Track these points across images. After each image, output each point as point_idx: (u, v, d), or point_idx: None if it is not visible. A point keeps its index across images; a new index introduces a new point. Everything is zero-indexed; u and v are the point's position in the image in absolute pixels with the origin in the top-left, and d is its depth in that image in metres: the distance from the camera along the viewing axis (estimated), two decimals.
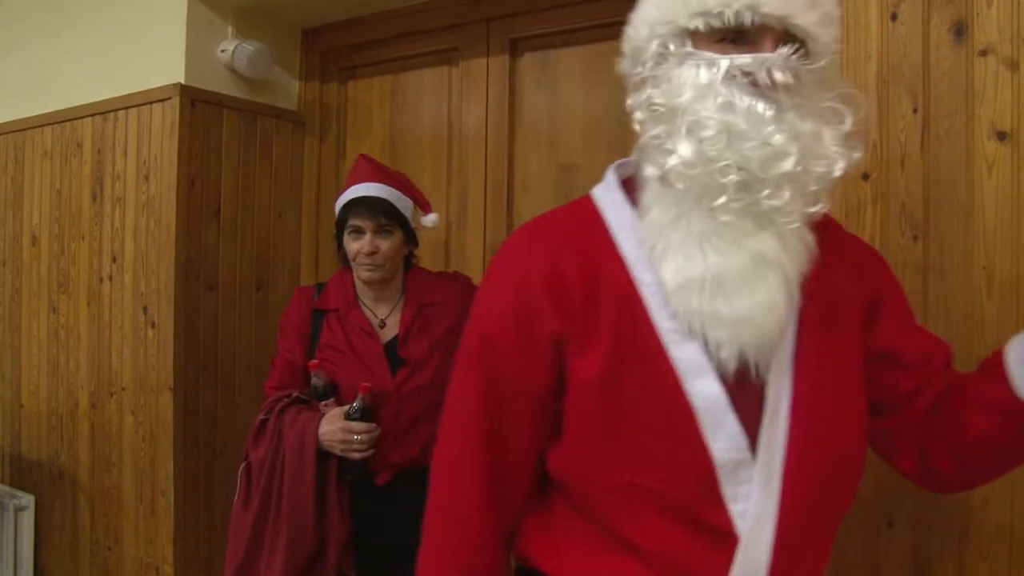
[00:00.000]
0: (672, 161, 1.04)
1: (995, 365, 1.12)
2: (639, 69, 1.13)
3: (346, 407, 2.01)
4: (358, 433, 1.97)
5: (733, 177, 1.01)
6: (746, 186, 1.01)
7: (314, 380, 2.09)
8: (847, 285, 1.19)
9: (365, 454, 2.00)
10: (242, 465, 2.11)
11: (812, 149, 1.02)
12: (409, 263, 2.28)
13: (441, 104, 2.99)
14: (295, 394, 2.12)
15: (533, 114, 2.78)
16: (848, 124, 1.05)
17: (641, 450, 1.09)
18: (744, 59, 1.03)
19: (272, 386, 2.19)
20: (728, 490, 1.07)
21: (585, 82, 2.66)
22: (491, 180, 2.82)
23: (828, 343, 1.13)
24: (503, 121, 2.81)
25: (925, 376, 1.20)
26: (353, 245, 2.13)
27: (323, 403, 2.08)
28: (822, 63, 1.06)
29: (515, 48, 2.81)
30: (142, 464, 2.98)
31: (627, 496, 1.11)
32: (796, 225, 1.05)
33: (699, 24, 1.05)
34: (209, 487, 2.99)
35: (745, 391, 1.08)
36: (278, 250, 3.25)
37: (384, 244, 2.11)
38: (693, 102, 1.03)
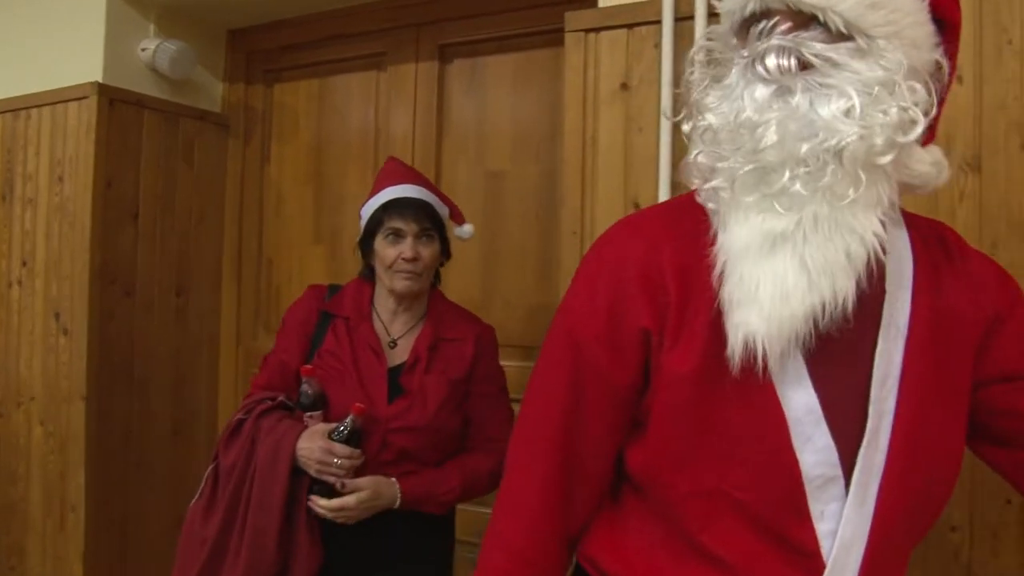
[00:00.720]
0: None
1: None
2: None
3: (332, 425, 1.79)
4: (339, 457, 1.75)
5: (751, 168, 0.98)
6: (765, 171, 0.98)
7: (304, 387, 1.87)
8: (963, 302, 1.09)
9: (340, 482, 1.76)
10: (210, 467, 1.90)
11: (809, 125, 0.96)
12: (436, 279, 2.06)
13: (368, 109, 2.95)
14: (281, 398, 1.90)
15: (461, 121, 2.75)
16: (855, 100, 0.95)
17: (729, 455, 1.04)
18: (743, 51, 1.03)
19: (258, 384, 1.98)
20: (815, 507, 1.02)
21: (514, 89, 2.65)
22: None
23: (938, 362, 1.06)
24: (431, 127, 2.78)
25: None
26: (390, 251, 1.89)
27: (308, 415, 1.86)
28: (850, 43, 0.98)
29: (444, 54, 2.79)
30: (51, 477, 2.87)
31: (710, 502, 1.05)
32: (826, 207, 0.96)
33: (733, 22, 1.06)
34: (123, 501, 2.89)
35: (844, 406, 1.02)
36: (199, 255, 3.16)
37: (426, 251, 1.90)
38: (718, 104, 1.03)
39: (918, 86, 0.98)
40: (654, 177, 1.88)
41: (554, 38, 2.03)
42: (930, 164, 1.06)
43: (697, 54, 1.12)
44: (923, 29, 1.02)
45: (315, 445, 1.75)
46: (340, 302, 1.98)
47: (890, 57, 0.97)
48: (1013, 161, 1.61)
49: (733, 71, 1.02)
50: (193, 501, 1.89)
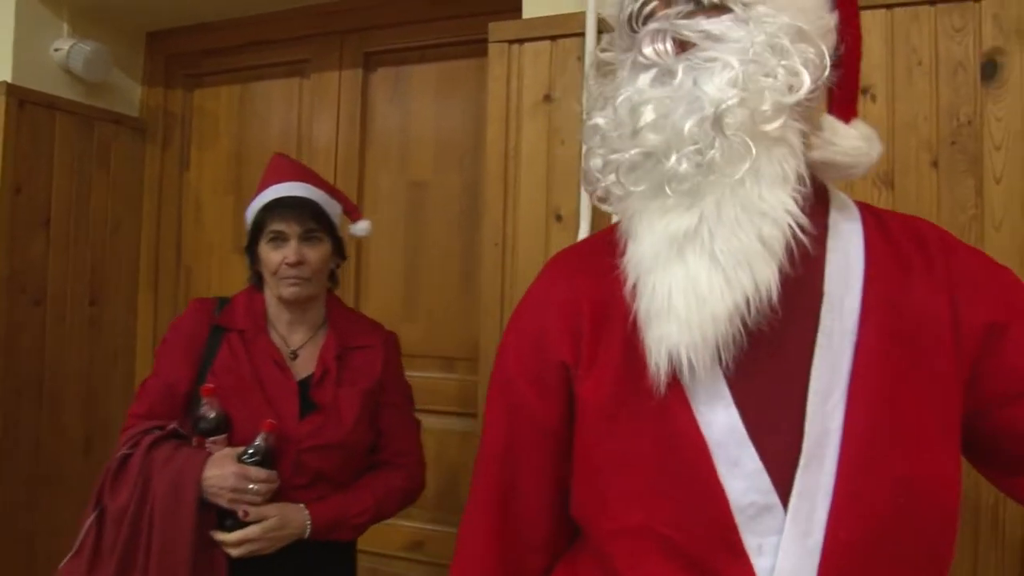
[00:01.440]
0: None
1: None
2: None
3: (239, 448, 1.63)
4: (255, 481, 1.59)
5: (638, 151, 0.91)
6: (655, 159, 0.91)
7: (203, 410, 1.68)
8: (940, 303, 0.97)
9: (242, 510, 1.60)
10: (91, 516, 1.64)
11: (695, 102, 0.89)
12: (333, 281, 1.92)
13: (291, 116, 2.91)
14: (172, 426, 1.69)
15: (385, 130, 2.73)
16: (737, 68, 0.88)
17: (651, 488, 0.95)
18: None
19: (137, 414, 1.74)
20: (750, 540, 0.91)
21: (438, 99, 2.64)
22: None
23: (903, 372, 0.94)
24: (354, 136, 2.75)
25: None
26: (274, 255, 1.75)
27: (210, 440, 1.67)
28: (728, 14, 0.92)
29: (369, 62, 2.76)
30: None
31: (637, 541, 0.96)
32: (726, 180, 0.89)
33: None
34: (30, 518, 2.78)
35: (778, 424, 0.92)
36: (114, 263, 3.07)
37: (312, 253, 1.76)
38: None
39: (810, 48, 0.92)
40: (576, 189, 1.87)
41: (478, 48, 2.02)
42: (857, 138, 1.00)
43: (590, 68, 1.06)
44: None
45: (226, 471, 1.59)
46: (232, 314, 1.81)
47: (772, 21, 0.91)
48: (924, 178, 1.64)
49: (622, 72, 0.96)
50: (66, 560, 1.64)
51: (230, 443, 1.68)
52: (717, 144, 0.87)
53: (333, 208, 1.84)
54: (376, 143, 2.74)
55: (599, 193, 0.98)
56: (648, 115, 0.89)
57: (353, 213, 1.93)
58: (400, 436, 1.85)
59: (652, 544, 0.95)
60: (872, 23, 1.70)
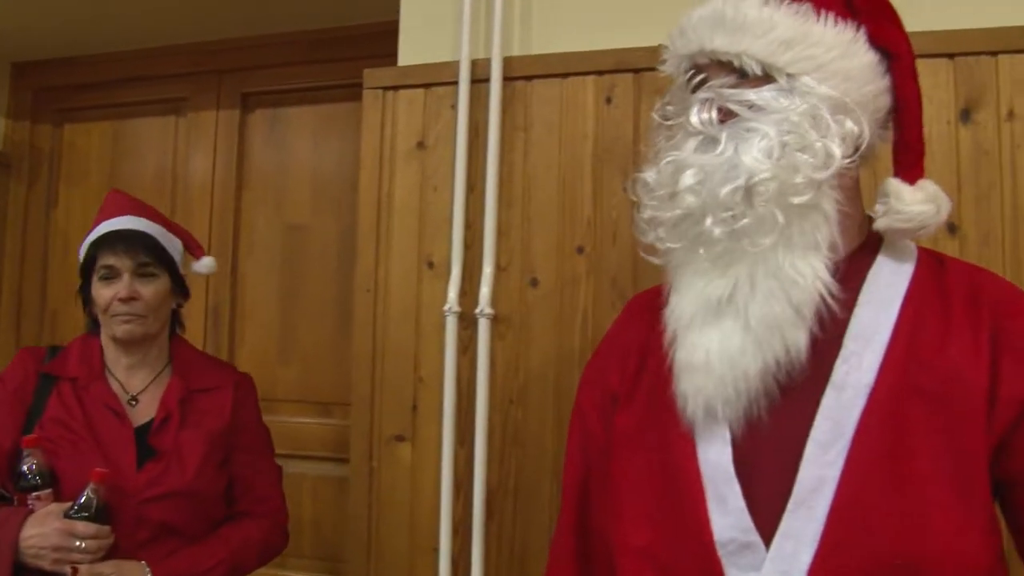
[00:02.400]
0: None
1: None
2: None
3: (67, 504, 1.48)
4: (82, 537, 1.45)
5: (678, 212, 0.98)
6: (693, 220, 0.98)
7: (24, 464, 1.53)
8: (978, 367, 0.96)
9: (72, 567, 1.45)
10: None
11: (733, 169, 0.95)
12: (176, 323, 1.82)
13: (166, 155, 2.84)
14: None
15: (262, 171, 2.70)
16: (774, 139, 0.94)
17: (655, 513, 1.03)
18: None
19: None
20: (732, 574, 0.96)
21: (316, 142, 2.63)
22: (216, 238, 2.69)
23: (918, 427, 0.94)
24: (231, 177, 2.70)
25: None
26: (105, 292, 1.64)
27: (33, 495, 1.52)
28: (772, 84, 0.99)
29: (247, 103, 2.74)
30: None
31: (639, 561, 1.04)
32: (755, 250, 0.95)
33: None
34: None
35: (773, 467, 0.96)
36: None
37: (146, 290, 1.65)
38: None
39: (846, 119, 0.97)
40: (448, 236, 1.88)
41: (356, 92, 2.01)
42: (922, 202, 1.03)
43: (655, 119, 1.11)
44: (857, 60, 1.00)
45: (48, 528, 1.45)
46: (64, 362, 1.69)
47: (814, 92, 0.96)
48: None
49: (677, 133, 1.04)
50: None
51: (58, 499, 1.53)
52: (748, 213, 0.94)
53: (172, 243, 1.75)
54: (253, 184, 2.70)
55: (646, 244, 1.06)
56: (688, 179, 0.97)
57: (196, 250, 1.83)
58: (257, 483, 1.75)
59: (650, 565, 1.02)
60: None
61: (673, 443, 1.02)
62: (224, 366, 1.87)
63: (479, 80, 1.90)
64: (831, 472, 0.94)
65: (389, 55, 2.03)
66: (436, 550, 1.82)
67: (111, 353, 1.72)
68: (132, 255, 1.66)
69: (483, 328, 1.82)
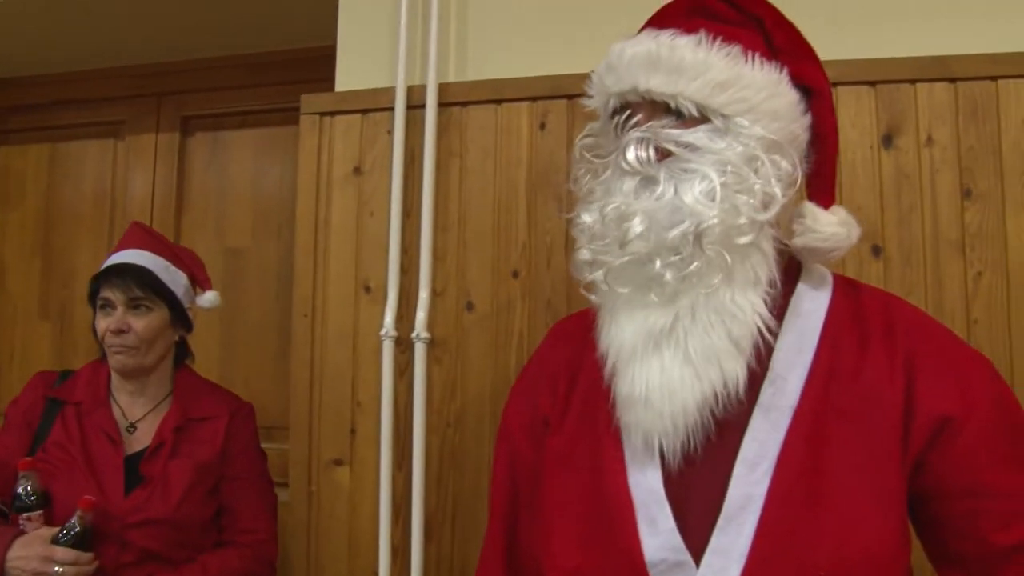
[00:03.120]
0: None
1: None
2: None
3: (55, 529, 1.55)
4: (61, 564, 1.49)
5: (625, 260, 0.99)
6: (640, 262, 0.99)
7: (20, 485, 1.60)
8: (895, 388, 1.01)
9: None
10: None
11: (675, 212, 0.97)
12: (182, 354, 1.90)
13: (105, 178, 2.81)
14: None
15: (203, 195, 2.68)
16: (715, 181, 0.97)
17: (586, 536, 1.03)
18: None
19: None
20: None
21: (256, 166, 2.63)
22: None
23: (839, 445, 0.98)
24: (170, 200, 2.69)
25: None
26: (101, 323, 1.74)
27: (25, 516, 1.59)
28: (707, 125, 1.01)
29: (187, 126, 2.72)
30: None
31: None
32: (706, 291, 0.98)
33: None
34: None
35: (703, 489, 0.99)
36: None
37: (138, 322, 1.73)
38: None
39: (781, 159, 1.01)
40: (384, 261, 1.89)
41: (296, 116, 2.02)
42: (838, 224, 1.07)
43: (577, 152, 1.14)
44: (783, 100, 1.04)
45: (31, 552, 1.51)
46: (72, 387, 1.78)
47: (748, 133, 0.99)
48: None
49: (609, 168, 1.05)
50: None
51: (50, 520, 1.60)
52: (697, 256, 0.96)
53: (174, 277, 1.82)
54: (193, 208, 2.69)
55: (585, 283, 1.07)
56: (637, 227, 0.97)
57: (202, 283, 1.91)
58: (245, 514, 1.79)
59: None
60: None
61: (605, 466, 1.03)
62: (225, 395, 1.91)
63: (415, 106, 1.92)
64: (758, 490, 0.97)
65: (328, 79, 2.04)
66: (376, 574, 1.82)
67: (115, 381, 1.80)
68: (125, 289, 1.73)
69: (419, 352, 1.82)
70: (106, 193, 2.80)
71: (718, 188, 0.96)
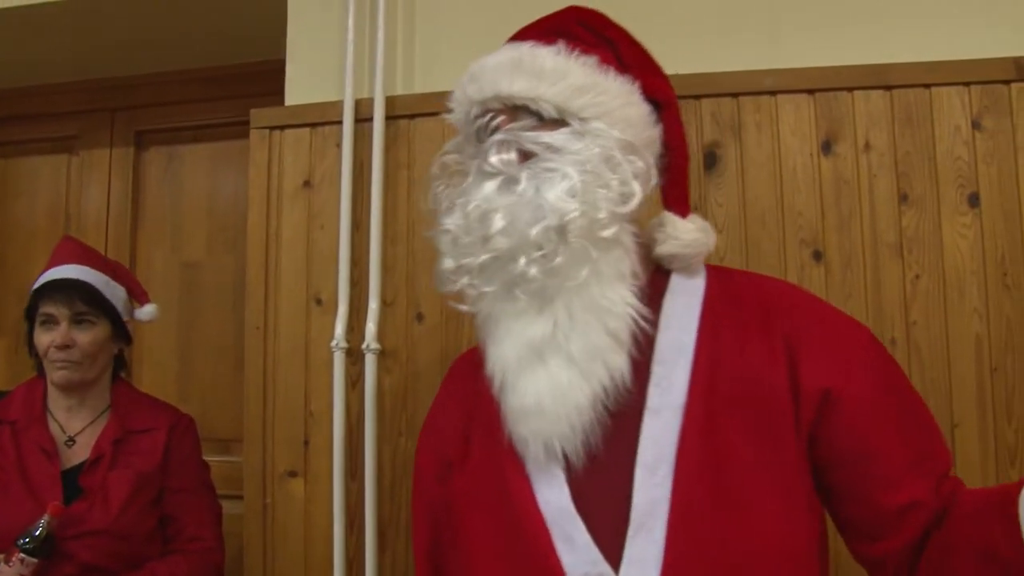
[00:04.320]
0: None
1: (1002, 507, 0.92)
2: None
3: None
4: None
5: (488, 256, 1.01)
6: (504, 261, 1.01)
7: None
8: (776, 370, 1.04)
9: None
10: None
11: (537, 210, 1.00)
12: (119, 367, 1.91)
13: (58, 193, 2.79)
14: None
15: (158, 209, 2.68)
16: (575, 178, 1.00)
17: (506, 564, 1.04)
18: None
19: None
20: None
21: (211, 179, 2.63)
22: None
23: (734, 436, 1.01)
24: (126, 215, 2.68)
25: (917, 489, 1.00)
26: (44, 338, 1.74)
27: None
28: (566, 128, 1.05)
29: (141, 140, 2.71)
30: None
31: None
32: (572, 283, 1.00)
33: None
34: None
35: (611, 498, 1.00)
36: None
37: (83, 337, 1.74)
38: None
39: (637, 159, 1.05)
40: (334, 273, 1.90)
41: (248, 130, 2.03)
42: (696, 231, 1.12)
43: (435, 169, 1.17)
44: (636, 109, 1.09)
45: None
46: (7, 406, 1.78)
47: (606, 135, 1.04)
48: None
49: (470, 175, 1.07)
50: None
51: None
52: (561, 250, 0.98)
53: (114, 291, 1.82)
54: (149, 222, 2.68)
55: (454, 293, 1.08)
56: (499, 222, 1.00)
57: (140, 297, 1.91)
58: (189, 523, 1.79)
59: None
60: None
61: (512, 493, 1.04)
62: (165, 408, 1.91)
63: (363, 119, 1.93)
64: (661, 493, 0.98)
65: (280, 92, 2.06)
66: None
67: (53, 396, 1.79)
68: (69, 304, 1.73)
69: (370, 363, 1.84)
70: (61, 208, 2.78)
71: (578, 185, 1.00)
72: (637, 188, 1.03)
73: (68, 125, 2.79)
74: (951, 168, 1.69)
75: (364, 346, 1.84)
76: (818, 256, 1.71)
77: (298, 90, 2.02)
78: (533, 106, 1.06)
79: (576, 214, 0.98)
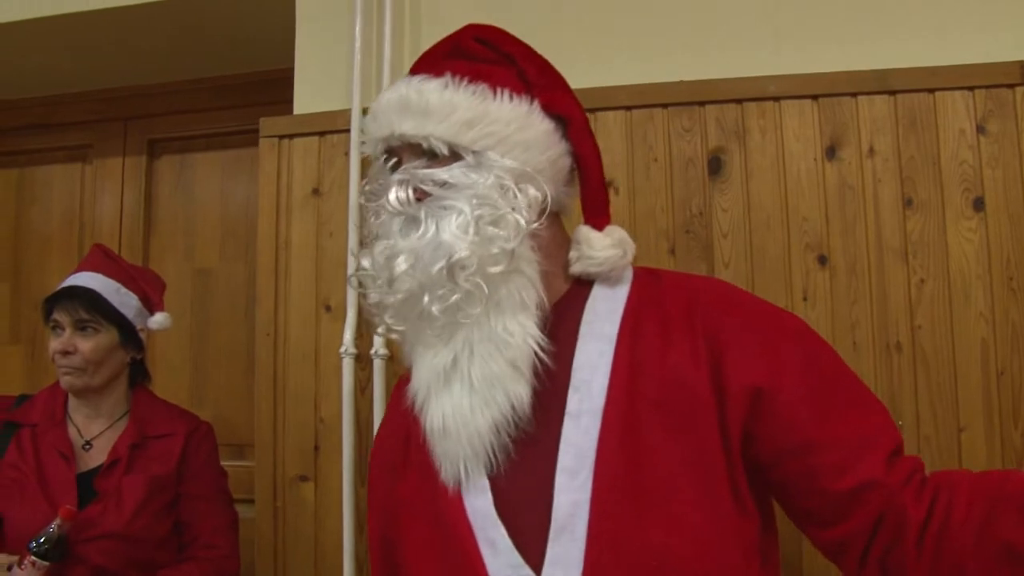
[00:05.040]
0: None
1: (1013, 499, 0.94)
2: None
3: (13, 557, 1.56)
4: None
5: (399, 296, 1.03)
6: (413, 300, 1.03)
7: None
8: (690, 366, 1.05)
9: None
10: None
11: (438, 248, 1.01)
12: (138, 374, 1.92)
13: (73, 202, 2.83)
14: None
15: (170, 217, 2.71)
16: (469, 214, 1.01)
17: (441, 569, 1.06)
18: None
19: None
20: None
21: (223, 187, 2.66)
22: None
23: (654, 437, 1.02)
24: (139, 223, 2.71)
25: (866, 469, 1.00)
26: (52, 344, 1.78)
27: None
28: (460, 162, 1.06)
29: (153, 149, 2.75)
30: None
31: None
32: (468, 321, 1.02)
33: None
34: None
35: (532, 504, 1.02)
36: None
37: (85, 343, 1.76)
38: None
39: (530, 187, 1.05)
40: (343, 280, 1.93)
41: (258, 138, 2.05)
42: (611, 247, 1.12)
43: (361, 199, 1.17)
44: (535, 130, 1.09)
45: None
46: (29, 410, 1.81)
47: (499, 165, 1.04)
48: (663, 264, 1.78)
49: (380, 215, 1.08)
50: None
51: (3, 540, 1.64)
52: (456, 288, 1.00)
53: (124, 299, 1.84)
54: (161, 230, 2.71)
55: (380, 326, 1.11)
56: (401, 264, 1.02)
57: (153, 306, 1.92)
58: (204, 530, 1.80)
59: None
60: (613, 123, 1.85)
61: (442, 501, 1.06)
62: (183, 414, 1.93)
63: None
64: (582, 496, 1.00)
65: (290, 100, 2.08)
66: None
67: (72, 400, 1.83)
68: (72, 311, 1.77)
69: (378, 368, 1.86)
70: (74, 216, 2.82)
71: (471, 221, 1.01)
72: (523, 220, 1.03)
73: (81, 134, 2.82)
74: (956, 172, 1.70)
75: (373, 352, 1.86)
76: (823, 261, 1.72)
77: (307, 99, 2.05)
78: (425, 144, 1.07)
79: (465, 253, 1.00)
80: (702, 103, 1.81)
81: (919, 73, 1.73)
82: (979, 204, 1.68)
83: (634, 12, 1.90)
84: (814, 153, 1.76)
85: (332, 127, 1.99)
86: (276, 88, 2.40)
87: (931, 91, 1.73)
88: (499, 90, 1.08)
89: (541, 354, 1.04)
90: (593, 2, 1.92)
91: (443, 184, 1.04)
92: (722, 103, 1.81)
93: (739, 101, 1.80)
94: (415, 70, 1.14)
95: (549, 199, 1.08)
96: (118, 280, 1.85)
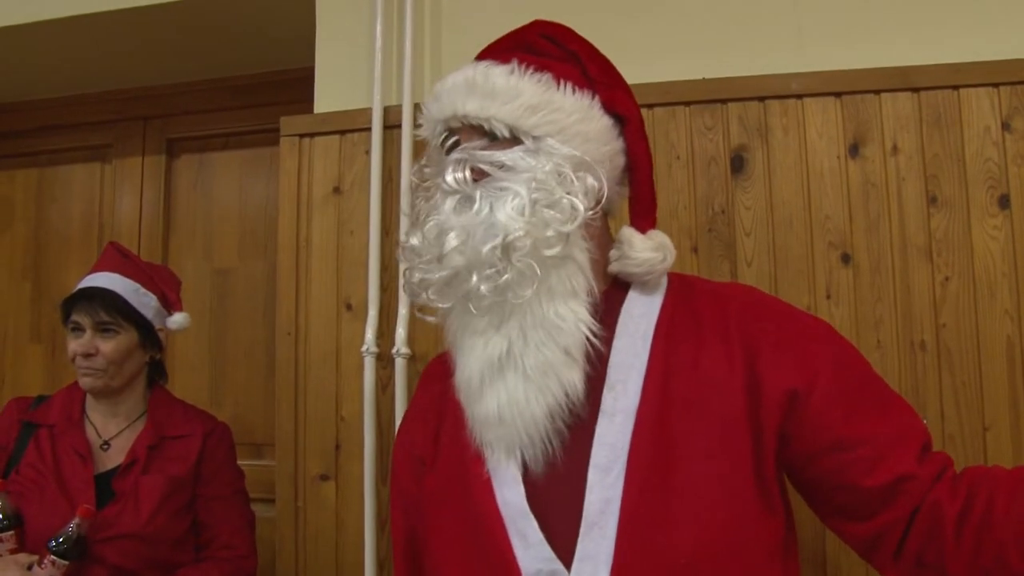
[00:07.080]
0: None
1: None
2: None
3: (32, 556, 1.58)
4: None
5: (445, 272, 1.04)
6: (460, 278, 1.04)
7: None
8: (723, 369, 1.07)
9: None
10: None
11: (491, 228, 1.02)
12: (156, 373, 1.93)
13: (93, 201, 2.84)
14: None
15: (189, 216, 2.72)
16: (525, 197, 1.03)
17: (470, 561, 1.07)
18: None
19: None
20: None
21: (242, 186, 2.66)
22: None
23: (686, 438, 1.03)
24: (158, 222, 2.72)
25: (901, 463, 1.02)
26: (71, 345, 1.77)
27: None
28: (520, 146, 1.08)
29: (172, 148, 2.76)
30: None
31: None
32: (518, 302, 1.03)
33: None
34: None
35: (565, 498, 1.03)
36: None
37: (106, 345, 1.76)
38: None
39: (587, 176, 1.07)
40: (364, 278, 1.92)
41: (278, 137, 2.05)
42: (651, 250, 1.12)
43: (413, 180, 1.21)
44: (595, 124, 1.11)
45: (10, 573, 1.52)
46: (47, 410, 1.81)
47: (558, 152, 1.06)
48: (685, 263, 1.78)
49: (437, 191, 1.10)
50: None
51: (19, 543, 1.62)
52: (508, 268, 1.01)
53: (143, 299, 1.84)
54: (180, 229, 2.72)
55: (420, 304, 1.13)
56: (452, 241, 1.03)
57: (171, 306, 1.92)
58: (224, 529, 1.81)
59: None
60: None
61: (474, 492, 1.08)
62: (201, 415, 1.93)
63: (392, 126, 1.96)
64: (614, 493, 1.01)
65: (310, 100, 2.08)
66: None
67: (90, 401, 1.83)
68: (92, 313, 1.76)
69: (400, 367, 1.86)
70: (94, 216, 2.83)
71: (527, 204, 1.02)
72: (580, 205, 1.05)
73: (101, 134, 2.83)
74: (981, 170, 1.68)
75: (394, 351, 1.86)
76: (847, 259, 1.71)
77: (327, 98, 2.05)
78: (487, 125, 1.08)
79: (521, 233, 1.01)
80: (725, 101, 1.80)
81: (943, 70, 1.72)
82: (1004, 202, 1.66)
83: (656, 10, 1.90)
84: (837, 151, 1.75)
85: (353, 126, 1.99)
86: (294, 88, 2.41)
87: (955, 88, 1.71)
88: (563, 82, 1.11)
89: (594, 340, 1.05)
90: (615, 1, 1.91)
91: (501, 166, 1.06)
92: (745, 101, 1.80)
93: (762, 99, 1.79)
94: (481, 57, 1.17)
95: (605, 189, 1.09)
96: (137, 280, 1.85)
